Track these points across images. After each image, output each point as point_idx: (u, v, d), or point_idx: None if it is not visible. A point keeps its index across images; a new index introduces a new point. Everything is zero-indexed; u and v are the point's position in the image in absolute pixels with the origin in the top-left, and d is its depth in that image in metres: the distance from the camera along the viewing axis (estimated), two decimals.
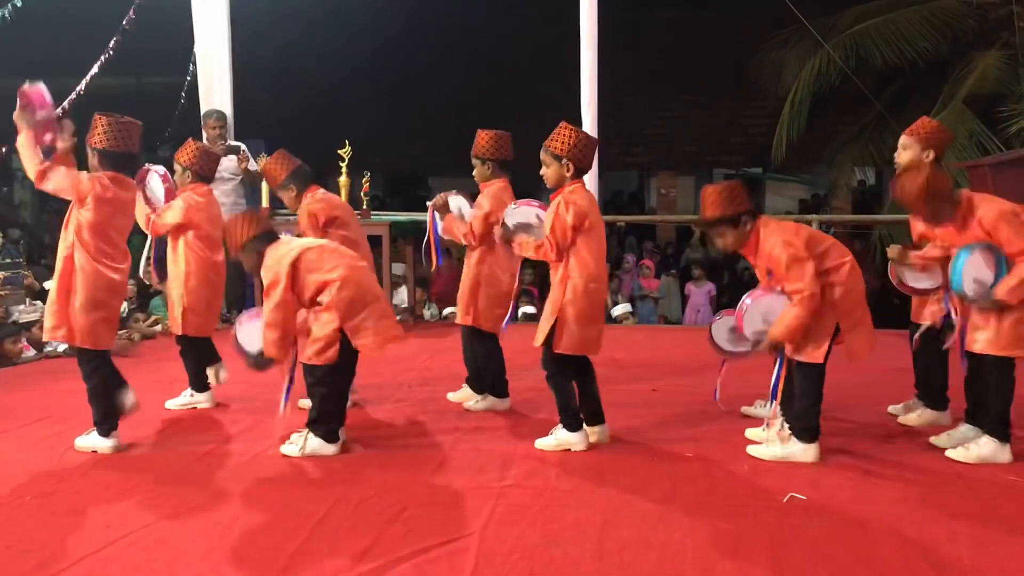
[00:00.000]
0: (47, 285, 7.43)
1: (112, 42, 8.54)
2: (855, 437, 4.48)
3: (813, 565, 3.08)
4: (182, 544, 3.28)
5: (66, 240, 4.26)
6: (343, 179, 7.60)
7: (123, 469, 4.13)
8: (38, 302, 7.23)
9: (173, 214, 5.01)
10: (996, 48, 10.85)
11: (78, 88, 8.60)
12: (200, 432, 4.73)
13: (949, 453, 4.12)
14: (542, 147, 4.32)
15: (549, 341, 4.24)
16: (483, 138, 4.98)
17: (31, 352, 6.68)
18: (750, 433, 4.40)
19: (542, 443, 4.35)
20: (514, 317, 4.91)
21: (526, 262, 4.81)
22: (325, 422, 4.28)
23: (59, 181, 4.21)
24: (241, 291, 8.05)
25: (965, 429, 4.28)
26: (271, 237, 4.34)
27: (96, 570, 3.08)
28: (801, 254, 3.96)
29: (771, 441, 4.22)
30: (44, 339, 4.56)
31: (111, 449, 4.33)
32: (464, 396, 5.21)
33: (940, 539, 3.26)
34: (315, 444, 4.26)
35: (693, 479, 3.92)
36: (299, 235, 4.81)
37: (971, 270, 3.95)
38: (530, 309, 8.92)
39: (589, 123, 8.25)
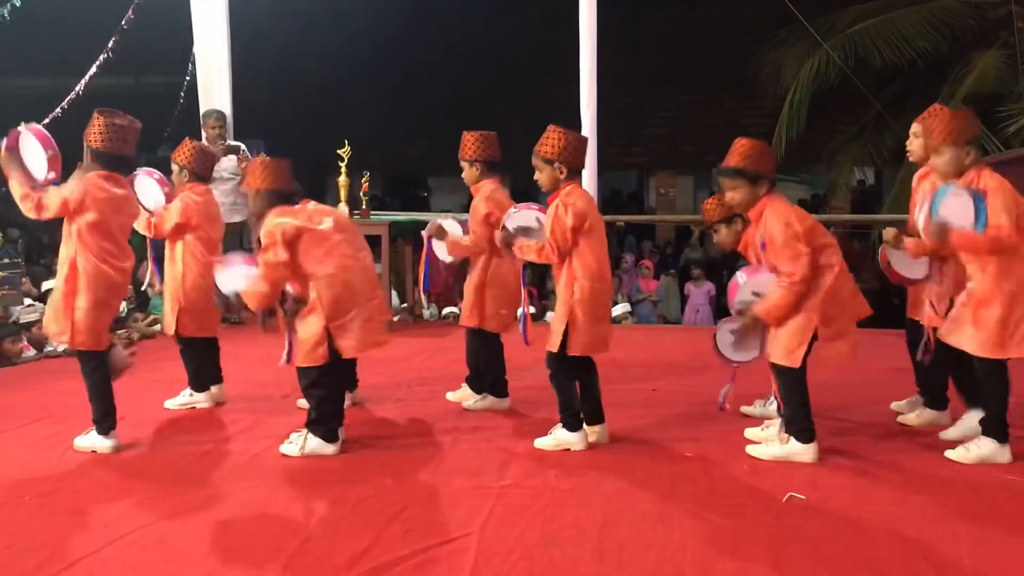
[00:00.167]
0: (46, 285, 7.46)
1: (111, 42, 8.54)
2: (854, 437, 4.48)
3: (812, 565, 3.08)
4: (181, 544, 3.28)
5: (67, 247, 4.26)
6: (342, 179, 7.60)
7: (122, 469, 4.14)
8: (38, 303, 7.23)
9: (172, 214, 5.01)
10: (995, 48, 10.85)
11: (77, 88, 8.60)
12: (199, 432, 4.73)
13: (948, 454, 4.12)
14: (533, 153, 4.31)
15: (562, 344, 4.23)
16: (469, 140, 4.98)
17: (31, 352, 6.67)
18: (749, 433, 4.41)
19: (541, 443, 4.35)
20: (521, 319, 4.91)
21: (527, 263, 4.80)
22: (324, 423, 4.28)
23: (54, 204, 4.20)
24: None
25: (971, 415, 4.28)
26: (285, 197, 4.30)
27: (95, 570, 3.08)
28: (800, 238, 3.94)
29: (770, 441, 4.22)
30: (49, 342, 4.56)
31: (110, 449, 4.33)
32: (463, 395, 5.21)
33: (940, 539, 3.26)
34: (314, 444, 4.26)
35: (692, 479, 3.92)
36: None
37: (951, 204, 3.91)
38: (530, 309, 8.90)
39: (588, 123, 8.25)
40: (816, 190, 17.60)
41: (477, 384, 5.15)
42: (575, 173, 4.33)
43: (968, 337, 4.02)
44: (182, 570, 3.09)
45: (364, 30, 14.29)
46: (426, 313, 8.92)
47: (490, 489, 3.79)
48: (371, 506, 3.61)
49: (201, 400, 5.19)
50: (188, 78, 8.98)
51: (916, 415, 4.70)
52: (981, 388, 4.14)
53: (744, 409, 4.89)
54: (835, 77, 11.27)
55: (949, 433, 4.34)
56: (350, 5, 13.78)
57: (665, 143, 16.64)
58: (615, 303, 9.70)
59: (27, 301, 7.28)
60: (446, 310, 9.03)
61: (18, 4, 8.30)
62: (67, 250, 4.26)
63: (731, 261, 11.53)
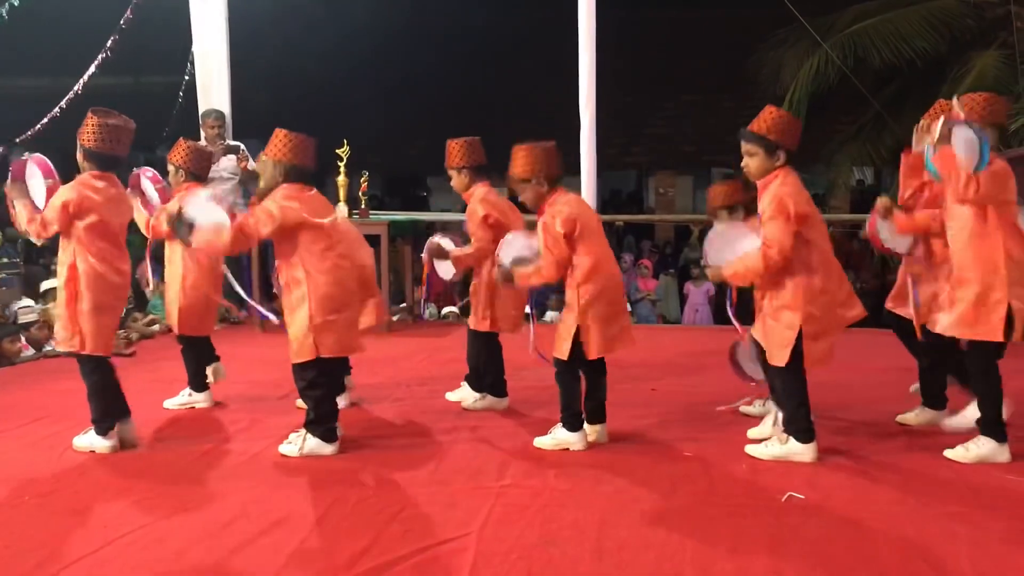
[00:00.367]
0: (45, 285, 7.46)
1: (110, 41, 8.53)
2: (854, 437, 4.48)
3: (812, 565, 3.07)
4: (180, 544, 3.27)
5: (66, 251, 4.26)
6: (341, 179, 7.60)
7: (121, 469, 4.13)
8: (37, 303, 7.22)
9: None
10: (994, 48, 10.84)
11: (76, 88, 8.59)
12: (198, 432, 4.73)
13: (948, 453, 4.12)
14: (507, 179, 4.32)
15: (574, 350, 4.21)
16: (454, 147, 4.98)
17: (29, 351, 6.67)
18: (752, 433, 4.39)
19: (540, 442, 4.35)
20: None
21: None
22: (322, 423, 4.28)
23: (54, 215, 4.20)
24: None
25: (975, 406, 4.26)
26: (303, 175, 4.26)
27: (94, 570, 3.08)
28: (790, 218, 3.89)
29: (770, 440, 4.22)
30: (58, 349, 4.56)
31: (109, 449, 4.32)
32: (463, 395, 5.21)
33: (939, 539, 3.26)
34: (313, 444, 4.25)
35: (692, 479, 3.92)
36: None
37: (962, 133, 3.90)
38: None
39: (588, 123, 8.26)
40: (815, 190, 17.56)
41: (477, 383, 5.14)
42: (556, 181, 4.30)
43: (946, 318, 4.06)
44: (181, 570, 3.08)
45: (363, 29, 14.29)
46: (425, 313, 8.92)
47: (489, 489, 3.79)
48: (370, 506, 3.61)
49: (200, 400, 5.19)
50: (187, 77, 8.98)
51: (915, 415, 4.70)
52: (975, 389, 4.15)
53: (743, 409, 4.89)
54: (834, 77, 11.26)
55: (952, 421, 4.34)
56: (349, 5, 13.77)
57: (664, 143, 16.63)
58: None
59: (25, 301, 7.28)
60: (445, 310, 9.04)
61: (16, 3, 8.29)
62: (65, 254, 4.26)
63: None
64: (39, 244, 4.35)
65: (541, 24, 13.57)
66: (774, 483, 3.81)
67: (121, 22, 8.48)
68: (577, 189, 8.49)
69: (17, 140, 8.61)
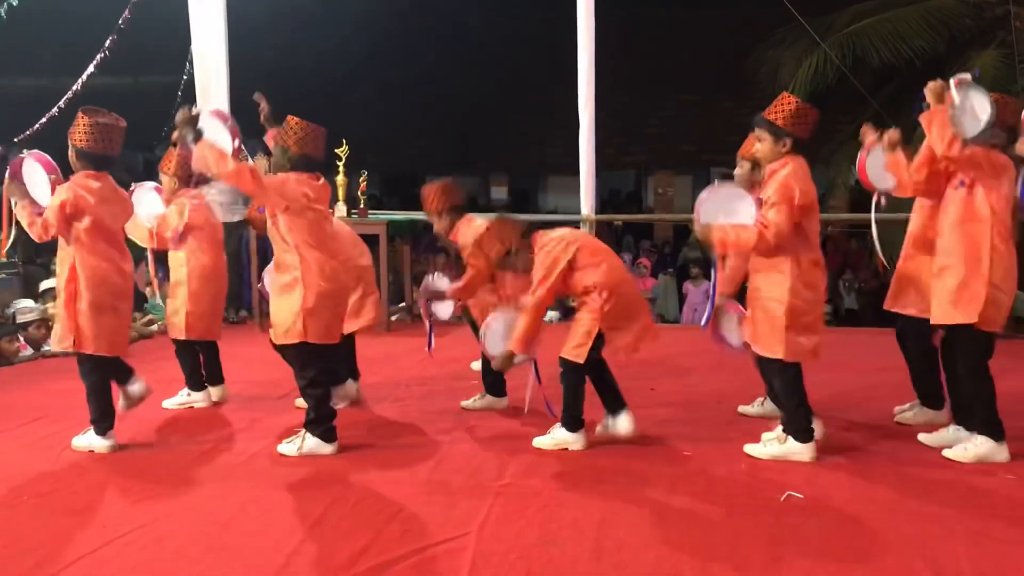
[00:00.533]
0: (44, 285, 7.45)
1: (108, 41, 8.53)
2: (852, 436, 4.48)
3: (811, 564, 3.07)
4: (179, 543, 3.27)
5: (66, 251, 4.26)
6: (340, 178, 7.60)
7: (120, 468, 4.13)
8: (36, 303, 7.21)
9: (173, 221, 5.03)
10: (993, 47, 10.85)
11: (74, 87, 8.58)
12: (197, 431, 4.73)
13: (947, 453, 4.12)
14: (471, 253, 4.55)
15: (590, 355, 4.23)
16: (430, 193, 4.96)
17: (28, 351, 6.67)
18: (766, 437, 4.36)
19: (540, 442, 4.35)
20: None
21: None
22: (322, 422, 4.28)
23: (53, 215, 4.20)
24: (238, 289, 8.03)
25: (952, 431, 4.28)
26: (312, 165, 4.29)
27: (94, 570, 3.08)
28: (792, 205, 3.92)
29: (769, 440, 4.22)
30: (53, 348, 4.57)
31: (108, 448, 4.32)
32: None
33: (938, 538, 3.26)
34: (312, 444, 4.25)
35: (691, 478, 3.92)
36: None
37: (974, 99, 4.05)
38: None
39: (587, 122, 8.26)
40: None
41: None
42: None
43: (933, 307, 4.11)
44: (180, 570, 3.08)
45: (362, 29, 14.27)
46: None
47: (488, 488, 3.79)
48: (369, 505, 3.61)
49: (199, 399, 5.19)
50: (186, 77, 8.97)
51: (914, 414, 4.71)
52: (966, 394, 4.17)
53: (742, 409, 4.90)
54: (833, 76, 11.25)
55: (928, 439, 4.34)
56: (348, 4, 13.76)
57: (663, 143, 16.63)
58: None
59: (25, 301, 7.27)
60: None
61: (15, 3, 8.29)
62: (65, 254, 4.26)
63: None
64: (43, 240, 4.34)
65: (541, 24, 13.57)
66: (773, 483, 3.82)
67: (120, 22, 8.48)
68: (577, 189, 8.52)
69: (16, 140, 8.64)
